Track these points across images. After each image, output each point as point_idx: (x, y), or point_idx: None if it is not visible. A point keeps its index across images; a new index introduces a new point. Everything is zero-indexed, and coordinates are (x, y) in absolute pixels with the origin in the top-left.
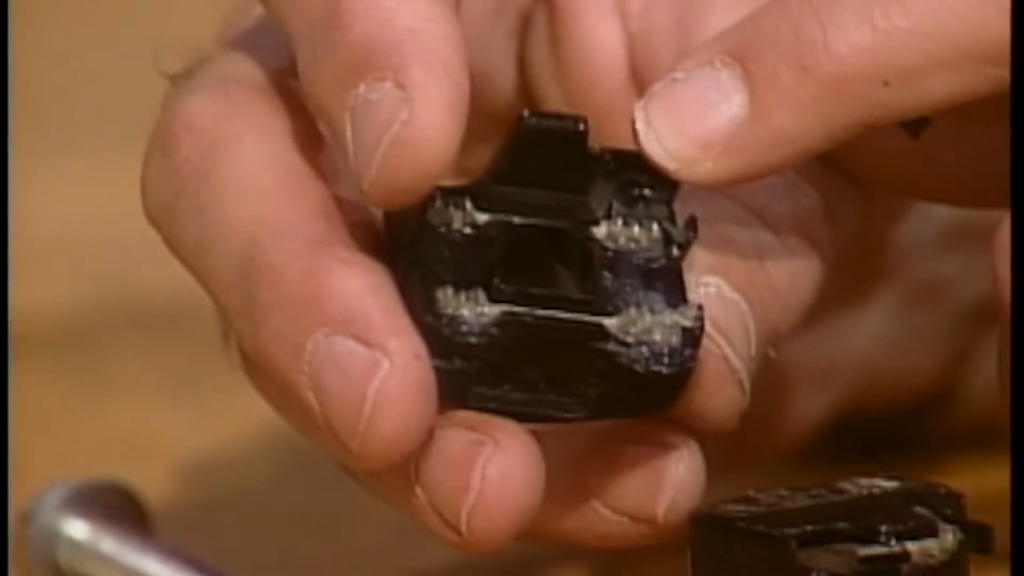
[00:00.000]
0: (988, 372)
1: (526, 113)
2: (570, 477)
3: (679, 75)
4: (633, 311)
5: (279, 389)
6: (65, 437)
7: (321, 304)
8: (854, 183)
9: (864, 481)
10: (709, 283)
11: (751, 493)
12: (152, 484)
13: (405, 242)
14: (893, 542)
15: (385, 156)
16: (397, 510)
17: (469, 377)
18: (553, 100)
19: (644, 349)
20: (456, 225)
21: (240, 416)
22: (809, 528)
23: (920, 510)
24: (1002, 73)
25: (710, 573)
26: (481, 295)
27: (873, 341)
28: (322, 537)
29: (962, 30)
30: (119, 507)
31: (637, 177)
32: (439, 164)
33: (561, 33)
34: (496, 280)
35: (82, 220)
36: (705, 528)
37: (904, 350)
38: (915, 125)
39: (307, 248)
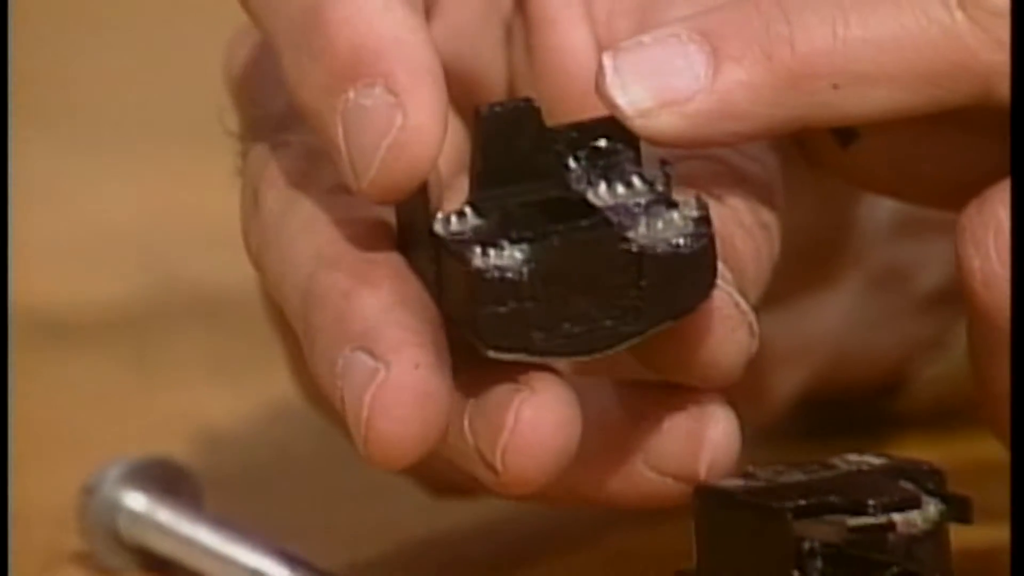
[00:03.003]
0: (950, 356)
1: (481, 107)
2: (616, 442)
3: (646, 39)
4: (644, 221)
5: (330, 406)
6: (123, 418)
7: (348, 323)
8: (819, 173)
9: (853, 458)
10: None
11: (750, 469)
12: (202, 459)
13: (418, 235)
14: (880, 514)
15: (384, 159)
16: (452, 460)
17: (525, 320)
18: None
19: (665, 242)
20: (456, 227)
21: (281, 397)
22: (803, 501)
23: (905, 484)
24: (940, 93)
25: (713, 543)
26: (505, 244)
27: (842, 320)
28: (357, 506)
29: (912, 47)
30: (173, 481)
31: (600, 143)
32: (431, 161)
33: (536, 42)
34: (513, 232)
35: (136, 219)
36: (708, 501)
37: (870, 330)
38: (846, 135)
39: (347, 273)
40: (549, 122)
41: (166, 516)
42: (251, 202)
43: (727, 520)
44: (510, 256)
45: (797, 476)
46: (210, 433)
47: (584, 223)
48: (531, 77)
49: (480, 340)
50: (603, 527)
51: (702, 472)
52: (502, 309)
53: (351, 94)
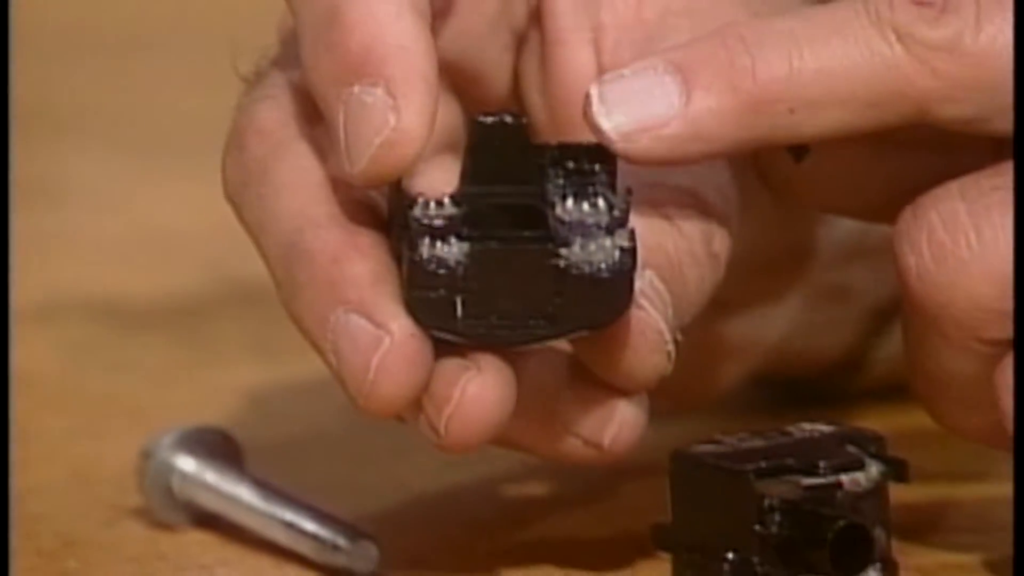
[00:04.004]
0: (892, 348)
1: (479, 116)
2: (545, 404)
3: (626, 72)
4: (579, 241)
5: (310, 345)
6: (177, 392)
7: (342, 287)
8: (776, 196)
9: (807, 426)
10: (644, 275)
11: (717, 436)
12: (244, 428)
13: (398, 217)
14: (829, 474)
15: (375, 154)
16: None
17: (455, 307)
18: (537, 107)
19: (589, 264)
20: (434, 212)
21: (315, 375)
22: (764, 464)
23: (850, 449)
24: (882, 115)
25: (686, 501)
26: (454, 240)
27: (785, 327)
28: (378, 468)
29: (857, 76)
30: (219, 447)
31: (580, 162)
32: (415, 159)
33: (547, 55)
34: (465, 229)
35: (193, 219)
36: (681, 464)
37: (812, 336)
38: (799, 151)
39: (335, 238)
40: (548, 133)
41: (213, 477)
42: (236, 142)
43: (698, 480)
44: (453, 250)
45: (758, 442)
46: (252, 405)
47: (527, 233)
48: (539, 85)
49: (413, 318)
50: (595, 488)
51: (606, 442)
52: (433, 294)
53: (355, 88)
